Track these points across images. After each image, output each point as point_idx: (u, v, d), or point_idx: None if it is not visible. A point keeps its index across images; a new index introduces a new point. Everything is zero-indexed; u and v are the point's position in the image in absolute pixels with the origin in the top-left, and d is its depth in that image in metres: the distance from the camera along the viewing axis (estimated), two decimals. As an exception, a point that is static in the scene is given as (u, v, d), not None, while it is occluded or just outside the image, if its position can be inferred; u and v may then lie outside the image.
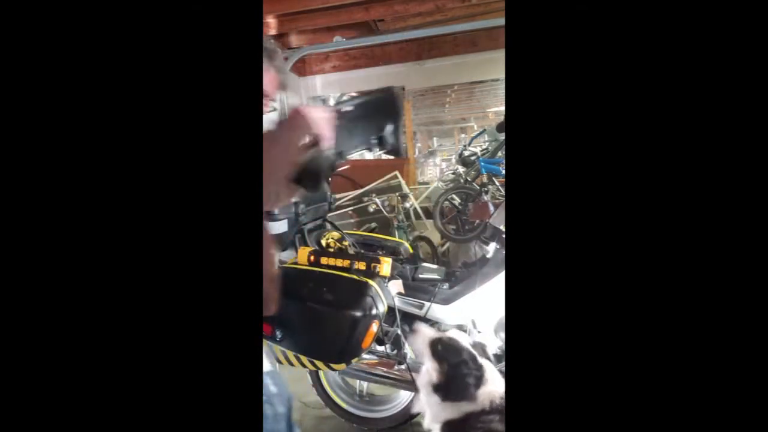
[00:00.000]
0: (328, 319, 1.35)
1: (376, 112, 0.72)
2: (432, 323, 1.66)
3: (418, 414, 1.80)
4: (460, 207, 3.95)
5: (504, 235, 1.49)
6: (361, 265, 1.44)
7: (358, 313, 1.33)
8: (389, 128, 0.70)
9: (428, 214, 4.26)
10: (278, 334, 1.39)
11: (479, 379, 1.11)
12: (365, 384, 1.89)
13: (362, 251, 1.73)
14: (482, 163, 4.07)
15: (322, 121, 0.60)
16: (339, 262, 1.46)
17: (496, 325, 1.54)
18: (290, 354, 1.41)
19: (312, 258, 1.49)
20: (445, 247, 4.21)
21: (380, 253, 1.77)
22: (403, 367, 1.60)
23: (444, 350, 1.17)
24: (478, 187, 3.84)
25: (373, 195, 3.97)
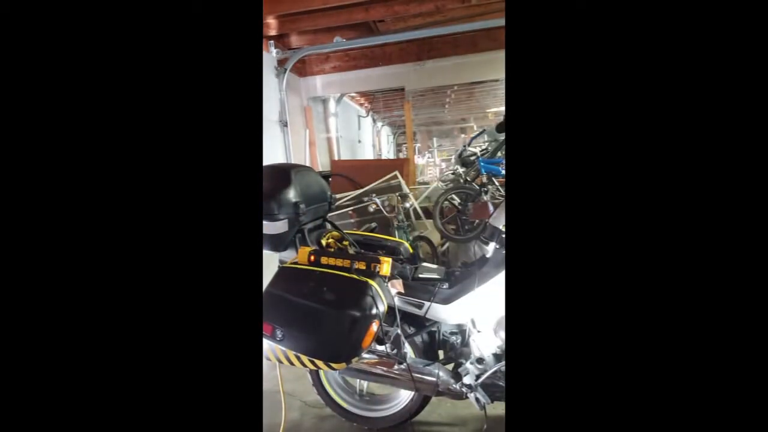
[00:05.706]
0: (328, 318, 1.35)
1: None
2: (432, 323, 1.66)
3: (417, 413, 1.80)
4: (459, 207, 3.96)
5: (503, 235, 1.50)
6: (361, 265, 1.44)
7: (358, 313, 1.33)
8: None
9: (428, 214, 4.27)
10: (278, 333, 1.40)
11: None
12: (365, 383, 1.90)
13: (362, 251, 1.73)
14: (482, 164, 4.08)
15: None
16: (339, 262, 1.46)
17: (495, 324, 1.54)
18: (290, 353, 1.41)
19: (312, 258, 1.49)
20: (445, 247, 4.22)
21: (380, 253, 1.77)
22: (403, 366, 1.60)
23: None
24: (477, 187, 3.85)
25: (373, 195, 3.98)
